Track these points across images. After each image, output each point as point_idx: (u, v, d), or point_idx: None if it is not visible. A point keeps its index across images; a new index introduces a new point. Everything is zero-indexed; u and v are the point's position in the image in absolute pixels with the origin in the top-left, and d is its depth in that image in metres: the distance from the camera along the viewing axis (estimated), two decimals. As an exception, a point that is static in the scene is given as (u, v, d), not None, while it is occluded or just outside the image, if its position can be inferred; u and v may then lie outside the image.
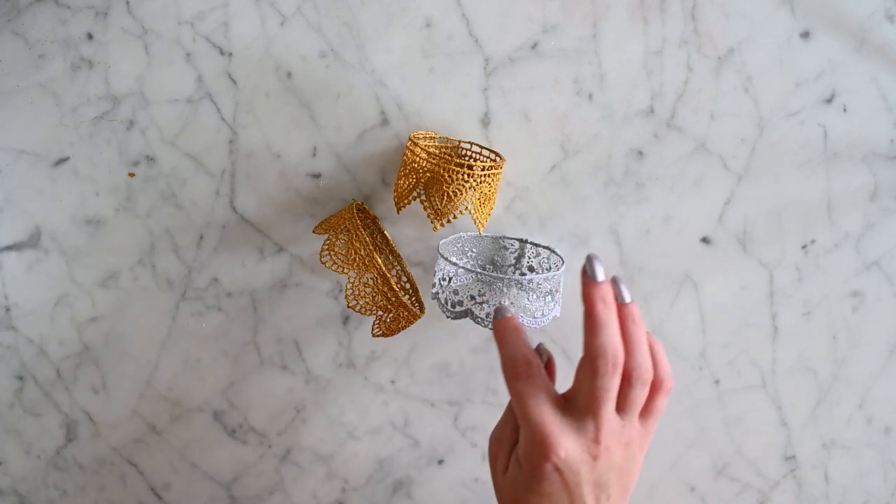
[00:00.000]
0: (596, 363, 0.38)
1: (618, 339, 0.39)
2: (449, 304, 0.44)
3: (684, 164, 0.50)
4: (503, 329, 0.41)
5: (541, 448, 0.39)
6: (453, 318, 0.44)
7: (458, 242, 0.50)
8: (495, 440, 0.42)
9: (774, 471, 0.53)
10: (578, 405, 0.39)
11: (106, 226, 0.51)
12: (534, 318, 0.44)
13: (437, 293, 0.45)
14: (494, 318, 0.41)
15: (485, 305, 0.43)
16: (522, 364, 0.40)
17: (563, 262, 0.47)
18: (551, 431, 0.39)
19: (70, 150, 0.50)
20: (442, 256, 0.45)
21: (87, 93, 0.49)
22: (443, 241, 0.48)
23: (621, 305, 0.40)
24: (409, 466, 0.53)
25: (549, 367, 0.42)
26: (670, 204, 0.50)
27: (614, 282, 0.41)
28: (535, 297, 0.43)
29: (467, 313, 0.44)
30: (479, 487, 0.53)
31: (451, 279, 0.44)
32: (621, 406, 0.40)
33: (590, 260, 0.40)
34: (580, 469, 0.39)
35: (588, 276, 0.39)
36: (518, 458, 0.40)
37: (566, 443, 0.39)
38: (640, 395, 0.40)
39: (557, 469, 0.39)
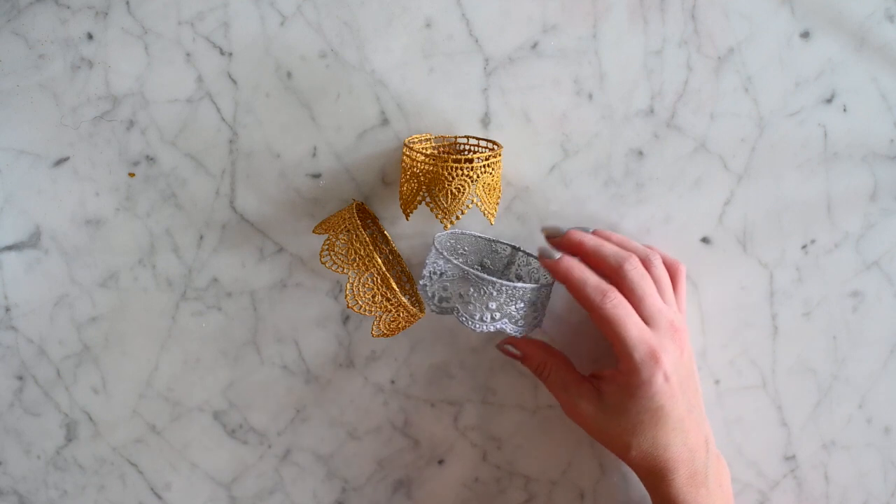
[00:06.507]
0: (623, 267, 0.43)
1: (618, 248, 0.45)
2: (436, 298, 0.45)
3: (684, 164, 0.50)
4: (567, 267, 0.43)
5: (651, 360, 0.41)
6: (438, 313, 0.45)
7: (453, 238, 0.49)
8: (563, 391, 0.45)
9: (774, 471, 0.53)
10: (644, 312, 0.43)
11: (106, 226, 0.51)
12: (517, 326, 0.44)
13: (426, 285, 0.45)
14: (548, 259, 0.44)
15: (470, 306, 0.43)
16: (606, 290, 0.42)
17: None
18: (657, 343, 0.42)
19: (70, 150, 0.50)
20: (437, 250, 0.45)
21: (87, 93, 0.49)
22: (438, 234, 0.48)
23: (591, 236, 0.46)
24: (409, 466, 0.53)
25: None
26: (670, 204, 0.50)
27: (572, 231, 0.46)
28: (522, 305, 0.43)
29: (453, 310, 0.44)
30: (479, 487, 0.53)
31: (442, 274, 0.44)
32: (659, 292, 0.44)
33: (541, 253, 0.44)
34: (678, 366, 0.42)
35: (549, 258, 0.44)
36: (617, 384, 0.43)
37: (667, 346, 0.42)
38: (663, 272, 0.45)
39: (666, 377, 0.42)
